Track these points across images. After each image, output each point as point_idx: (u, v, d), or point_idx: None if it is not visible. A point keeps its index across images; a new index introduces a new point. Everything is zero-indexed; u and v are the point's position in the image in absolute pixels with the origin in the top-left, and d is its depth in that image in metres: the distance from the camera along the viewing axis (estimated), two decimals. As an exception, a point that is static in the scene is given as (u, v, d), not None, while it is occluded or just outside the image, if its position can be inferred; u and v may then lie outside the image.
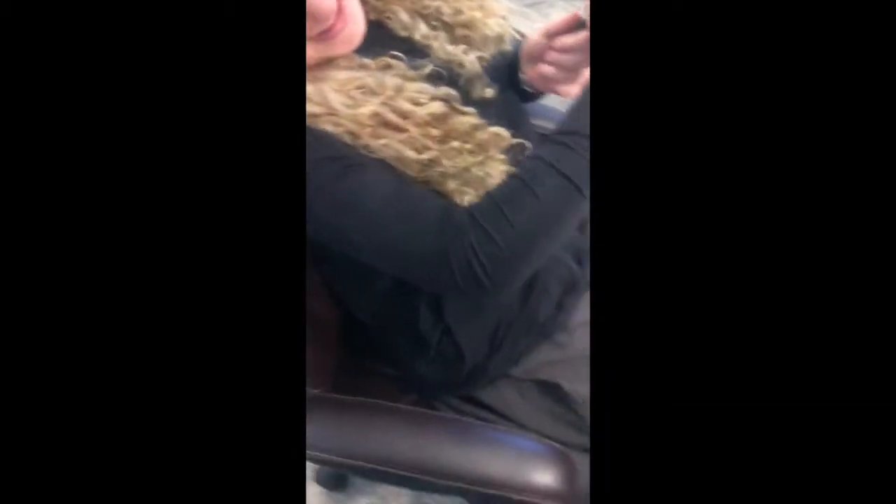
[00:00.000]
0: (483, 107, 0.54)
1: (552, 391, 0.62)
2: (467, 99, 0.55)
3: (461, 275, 0.48)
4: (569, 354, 0.63)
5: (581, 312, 0.64)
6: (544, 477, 0.51)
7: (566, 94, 0.61)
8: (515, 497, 0.51)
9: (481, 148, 0.51)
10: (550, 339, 0.63)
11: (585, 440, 0.60)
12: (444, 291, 0.58)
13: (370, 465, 0.54)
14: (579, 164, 0.47)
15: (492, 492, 0.51)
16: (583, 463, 0.57)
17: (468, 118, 0.51)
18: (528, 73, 0.65)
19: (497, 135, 0.52)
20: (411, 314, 0.61)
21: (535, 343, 0.63)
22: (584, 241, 0.67)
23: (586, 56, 0.57)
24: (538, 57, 0.62)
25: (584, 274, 0.65)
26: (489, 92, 0.59)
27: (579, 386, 0.61)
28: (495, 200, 0.49)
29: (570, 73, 0.60)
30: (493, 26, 0.61)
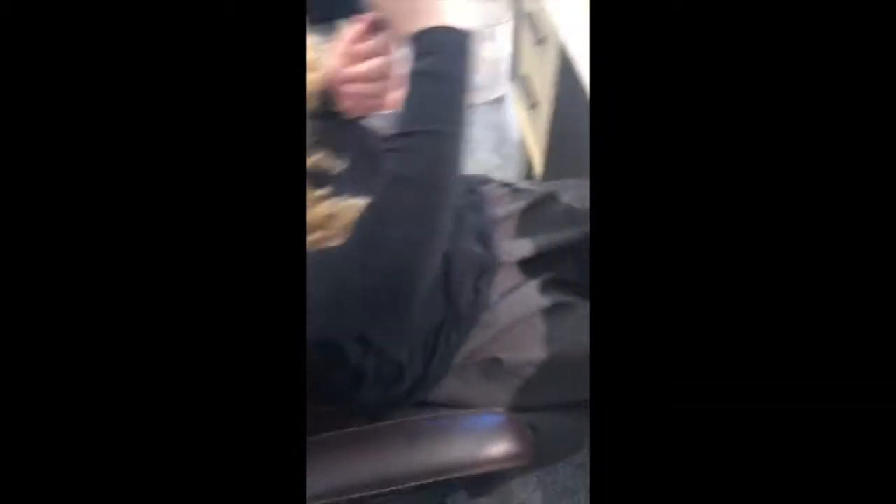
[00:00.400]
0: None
1: (493, 367, 0.63)
2: (323, 175, 0.56)
3: (365, 316, 0.48)
4: (498, 328, 0.64)
5: (497, 287, 0.66)
6: (501, 445, 0.53)
7: (391, 105, 0.58)
8: (481, 472, 0.52)
9: (345, 227, 0.51)
10: (477, 323, 0.65)
11: (536, 399, 0.62)
12: (358, 335, 0.57)
13: (332, 501, 0.53)
14: (420, 163, 0.48)
15: (457, 475, 0.52)
16: (537, 421, 0.59)
17: (320, 209, 0.52)
18: (342, 104, 0.63)
19: (353, 207, 0.52)
20: (338, 351, 0.60)
21: (465, 333, 0.64)
22: (486, 224, 0.69)
23: (392, 57, 0.56)
24: (343, 80, 0.60)
25: (491, 254, 0.68)
26: (340, 164, 0.59)
27: (515, 353, 0.63)
28: (360, 234, 0.49)
29: (384, 80, 0.58)
30: (313, 81, 0.60)
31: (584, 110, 0.82)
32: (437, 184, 0.48)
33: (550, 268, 0.69)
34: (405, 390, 0.63)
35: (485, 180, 0.81)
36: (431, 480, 0.52)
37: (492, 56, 1.63)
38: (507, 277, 0.67)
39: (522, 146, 1.47)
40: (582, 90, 0.87)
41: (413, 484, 0.52)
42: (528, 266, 0.69)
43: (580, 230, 0.71)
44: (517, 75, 1.43)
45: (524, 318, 0.64)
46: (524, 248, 0.70)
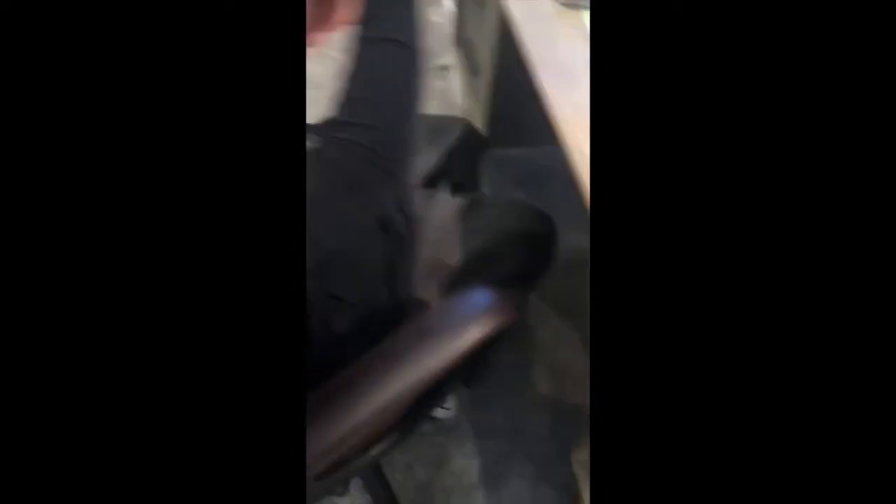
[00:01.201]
0: None
1: (440, 270, 0.74)
2: None
3: None
4: (434, 238, 0.74)
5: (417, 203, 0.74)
6: (494, 317, 0.57)
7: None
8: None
9: None
10: (419, 241, 0.71)
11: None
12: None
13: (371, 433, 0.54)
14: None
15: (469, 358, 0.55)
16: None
17: None
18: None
19: None
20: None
21: (411, 254, 0.70)
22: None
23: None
24: None
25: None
26: None
27: (453, 252, 0.73)
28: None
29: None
30: None
31: (525, 78, 0.82)
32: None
33: (448, 176, 0.82)
34: (376, 325, 0.67)
35: None
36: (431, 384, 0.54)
37: (438, 20, 1.60)
38: (419, 194, 0.76)
39: (465, 114, 1.46)
40: (522, 57, 0.86)
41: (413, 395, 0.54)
42: (432, 179, 0.81)
43: (462, 130, 0.82)
44: (461, 39, 1.41)
45: (449, 220, 0.75)
46: (426, 164, 0.81)
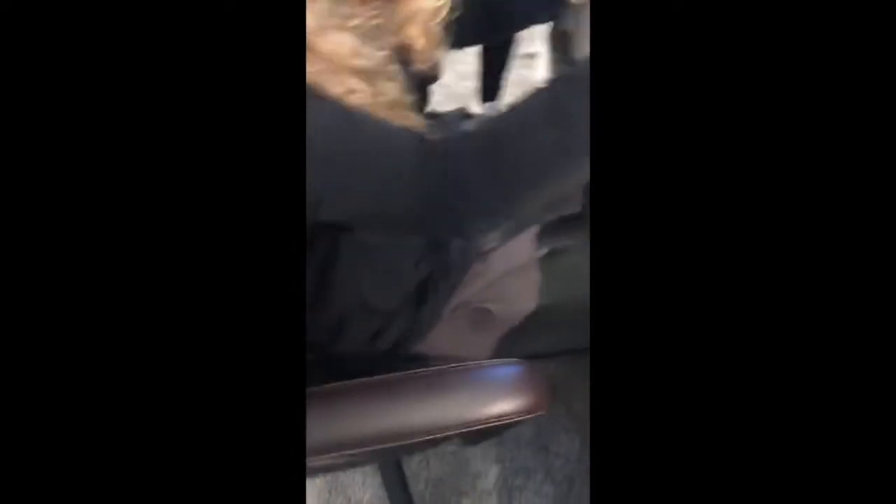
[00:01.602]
0: None
1: (482, 318, 0.63)
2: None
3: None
4: (489, 279, 0.63)
5: (491, 236, 0.65)
6: (521, 396, 0.52)
7: None
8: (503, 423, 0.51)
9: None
10: (468, 272, 0.64)
11: (528, 348, 0.62)
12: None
13: (356, 451, 0.52)
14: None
15: (480, 427, 0.51)
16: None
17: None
18: None
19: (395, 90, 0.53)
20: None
21: (454, 283, 0.63)
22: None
23: None
24: None
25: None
26: None
27: (507, 304, 0.62)
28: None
29: None
30: None
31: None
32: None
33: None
34: (391, 342, 0.62)
35: None
36: (442, 436, 0.50)
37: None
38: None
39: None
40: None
41: (420, 439, 0.50)
42: None
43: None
44: (556, 30, 1.34)
45: (518, 269, 0.64)
46: None
